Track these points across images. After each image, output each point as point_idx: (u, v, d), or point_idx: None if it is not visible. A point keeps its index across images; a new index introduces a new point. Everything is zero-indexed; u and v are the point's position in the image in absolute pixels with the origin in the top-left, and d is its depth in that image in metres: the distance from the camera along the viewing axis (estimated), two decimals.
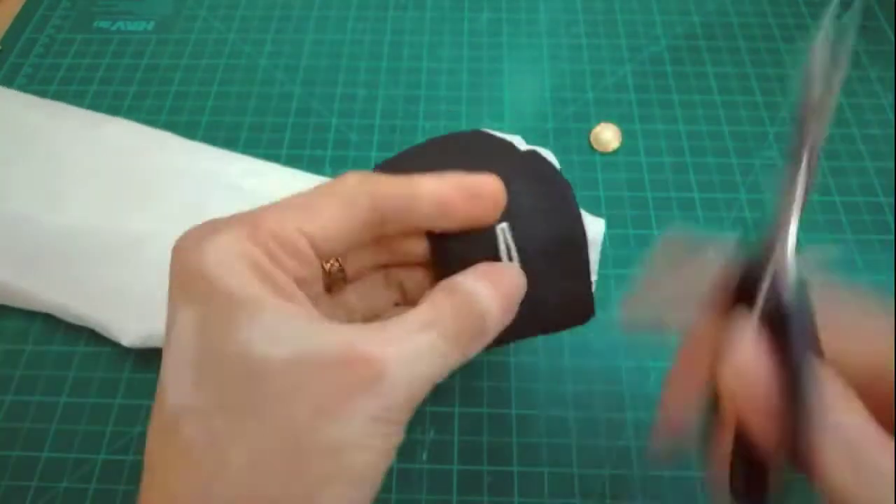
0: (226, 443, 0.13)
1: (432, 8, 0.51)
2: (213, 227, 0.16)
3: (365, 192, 0.17)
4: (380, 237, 0.19)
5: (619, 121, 0.44)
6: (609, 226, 0.39)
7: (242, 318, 0.14)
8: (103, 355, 0.34)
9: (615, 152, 0.42)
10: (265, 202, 0.16)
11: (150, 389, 0.33)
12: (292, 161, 0.42)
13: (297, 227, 0.16)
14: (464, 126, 0.44)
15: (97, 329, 0.34)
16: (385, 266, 0.22)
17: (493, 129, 0.45)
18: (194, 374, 0.14)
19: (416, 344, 0.15)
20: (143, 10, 0.51)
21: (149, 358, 0.34)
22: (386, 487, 0.28)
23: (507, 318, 0.18)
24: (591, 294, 0.22)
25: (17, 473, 0.31)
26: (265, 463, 0.13)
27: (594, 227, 0.35)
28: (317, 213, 0.16)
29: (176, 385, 0.14)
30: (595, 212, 0.39)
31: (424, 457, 0.32)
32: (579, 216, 0.22)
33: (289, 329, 0.14)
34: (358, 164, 0.41)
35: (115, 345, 0.34)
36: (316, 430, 0.14)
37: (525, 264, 0.20)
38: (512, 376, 0.34)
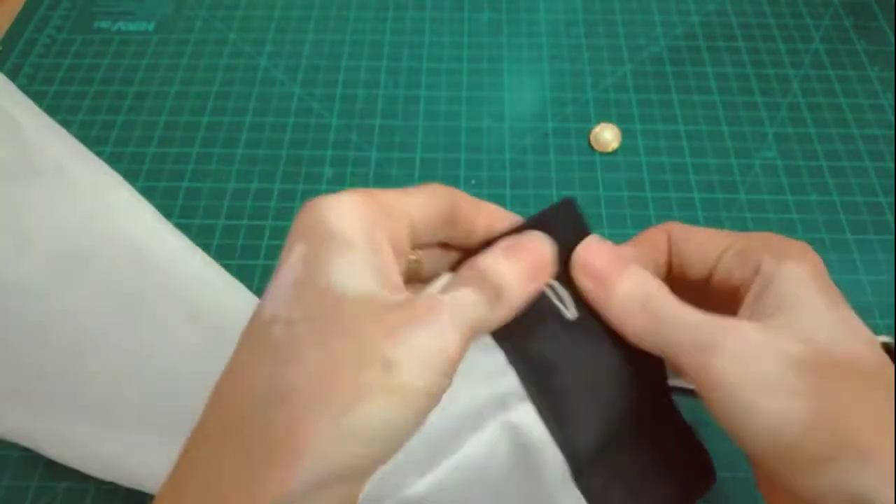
0: (303, 343, 0.16)
1: (432, 8, 0.51)
2: (336, 193, 0.19)
3: (445, 192, 0.21)
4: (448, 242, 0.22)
5: (619, 121, 0.44)
6: (609, 226, 0.39)
7: (334, 252, 0.17)
8: None
9: (615, 152, 0.42)
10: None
11: None
12: (292, 161, 0.42)
13: (401, 206, 0.19)
14: (463, 126, 0.44)
15: None
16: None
17: (493, 128, 0.45)
18: (292, 293, 0.17)
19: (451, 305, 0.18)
20: (143, 11, 0.51)
21: None
22: None
23: (528, 286, 0.19)
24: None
25: (18, 473, 0.31)
26: (332, 363, 0.16)
27: None
28: (413, 198, 0.20)
29: (275, 299, 0.17)
30: (595, 211, 0.39)
31: None
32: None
33: (366, 274, 0.17)
34: (358, 164, 0.41)
35: None
36: (378, 345, 0.16)
37: None
38: None
